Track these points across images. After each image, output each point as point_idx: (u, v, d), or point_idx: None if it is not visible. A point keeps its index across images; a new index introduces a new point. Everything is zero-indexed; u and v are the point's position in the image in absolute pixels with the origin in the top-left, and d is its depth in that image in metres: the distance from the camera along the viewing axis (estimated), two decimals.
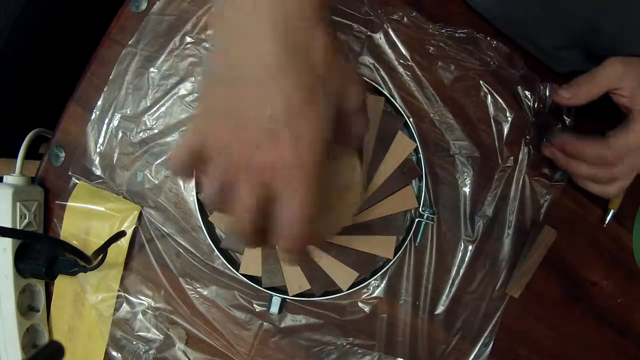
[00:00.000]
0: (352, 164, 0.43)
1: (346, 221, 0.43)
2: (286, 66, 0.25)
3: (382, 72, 0.49)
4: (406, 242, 0.48)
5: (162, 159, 0.48)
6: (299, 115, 0.25)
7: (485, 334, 0.50)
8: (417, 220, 0.48)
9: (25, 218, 0.45)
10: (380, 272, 0.47)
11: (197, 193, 0.47)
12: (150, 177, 0.48)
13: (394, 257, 0.47)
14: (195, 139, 0.27)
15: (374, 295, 0.49)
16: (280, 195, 0.26)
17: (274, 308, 0.47)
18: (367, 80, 0.48)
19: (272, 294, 0.47)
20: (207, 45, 0.48)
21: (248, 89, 0.26)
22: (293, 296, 0.47)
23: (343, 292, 0.47)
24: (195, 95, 0.48)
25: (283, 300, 0.47)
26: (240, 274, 0.47)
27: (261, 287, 0.47)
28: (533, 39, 0.49)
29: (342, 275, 0.47)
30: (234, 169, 0.26)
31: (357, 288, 0.48)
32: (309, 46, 0.26)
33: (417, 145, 0.48)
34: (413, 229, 0.48)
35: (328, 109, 0.27)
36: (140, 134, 0.48)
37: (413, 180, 0.49)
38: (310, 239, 0.28)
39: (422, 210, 0.48)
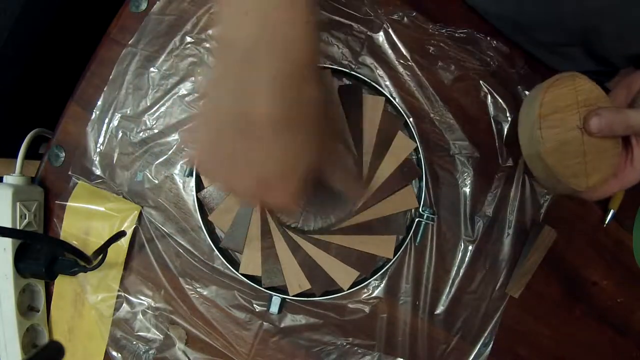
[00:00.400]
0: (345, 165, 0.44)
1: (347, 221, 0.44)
2: (283, 121, 0.28)
3: (382, 72, 0.49)
4: (406, 241, 0.48)
5: (162, 158, 0.48)
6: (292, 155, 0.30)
7: (485, 334, 0.50)
8: (417, 220, 0.48)
9: (25, 218, 0.45)
10: (381, 272, 0.47)
11: (196, 192, 0.47)
12: (150, 177, 0.48)
13: (394, 257, 0.47)
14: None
15: (374, 295, 0.49)
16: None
17: (274, 308, 0.47)
18: (367, 80, 0.48)
19: (271, 294, 0.47)
20: (207, 45, 0.48)
21: (247, 143, 0.29)
22: (293, 296, 0.47)
23: (343, 291, 0.47)
24: (196, 95, 0.48)
25: (283, 300, 0.47)
26: (240, 273, 0.47)
27: (261, 287, 0.47)
28: (532, 38, 0.49)
29: (342, 274, 0.47)
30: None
31: (357, 288, 0.48)
32: (302, 97, 0.29)
33: (417, 145, 0.48)
34: (413, 229, 0.48)
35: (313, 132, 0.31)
36: (141, 134, 0.48)
37: (413, 180, 0.49)
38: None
39: (422, 210, 0.48)
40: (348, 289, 0.47)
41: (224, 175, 0.31)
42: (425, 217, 0.48)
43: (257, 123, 0.28)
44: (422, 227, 0.48)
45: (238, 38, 0.27)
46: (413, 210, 0.49)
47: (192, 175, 0.47)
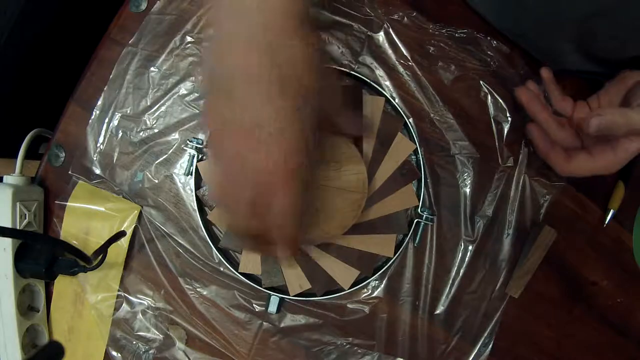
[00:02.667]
0: (354, 166, 0.43)
1: (350, 221, 0.44)
2: (271, 78, 0.27)
3: (382, 72, 0.49)
4: (406, 240, 0.48)
5: (162, 158, 0.48)
6: (282, 123, 0.28)
7: (485, 334, 0.50)
8: (415, 220, 0.48)
9: (25, 218, 0.45)
10: (381, 271, 0.47)
11: (196, 191, 0.47)
12: (150, 177, 0.48)
13: (394, 256, 0.47)
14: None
15: (374, 295, 0.49)
16: (271, 197, 0.29)
17: (272, 307, 0.47)
18: (367, 80, 0.48)
19: (270, 293, 0.47)
20: (205, 44, 0.48)
21: (237, 98, 0.28)
22: (293, 296, 0.47)
23: (344, 291, 0.47)
24: (196, 95, 0.48)
25: (281, 300, 0.47)
26: (240, 273, 0.47)
27: (261, 286, 0.47)
28: (531, 39, 0.49)
29: (343, 274, 0.47)
30: (231, 173, 0.29)
31: (358, 287, 0.48)
32: (292, 59, 0.28)
33: (417, 147, 0.48)
34: (412, 229, 0.48)
35: (309, 116, 0.29)
36: (141, 134, 0.48)
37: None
38: (297, 236, 0.31)
39: (421, 211, 0.48)
40: (349, 289, 0.47)
41: (224, 135, 0.29)
42: (424, 217, 0.48)
43: (248, 78, 0.27)
44: (421, 228, 0.48)
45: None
46: (412, 210, 0.49)
47: (191, 175, 0.47)
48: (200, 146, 0.47)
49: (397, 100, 0.49)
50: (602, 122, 0.38)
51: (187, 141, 0.47)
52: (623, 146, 0.41)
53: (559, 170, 0.44)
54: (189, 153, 0.47)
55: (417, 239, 0.48)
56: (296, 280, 0.46)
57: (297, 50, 0.28)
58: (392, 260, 0.47)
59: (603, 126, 0.38)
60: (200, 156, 0.47)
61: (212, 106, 0.30)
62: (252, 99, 0.27)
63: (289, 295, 0.46)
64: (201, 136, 0.48)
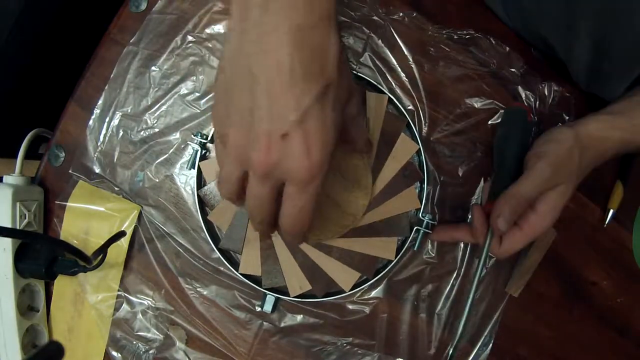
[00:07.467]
0: (362, 197, 0.44)
1: (330, 235, 0.44)
2: (300, 71, 0.26)
3: (383, 73, 0.49)
4: (407, 243, 0.48)
5: (163, 157, 0.48)
6: (310, 118, 0.27)
7: (485, 334, 0.50)
8: (415, 228, 0.47)
9: (25, 218, 0.45)
10: (382, 273, 0.47)
11: (197, 190, 0.47)
12: (151, 176, 0.48)
13: (395, 258, 0.47)
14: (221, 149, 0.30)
15: (374, 295, 0.49)
16: (289, 186, 0.29)
17: (267, 306, 0.47)
18: (369, 80, 0.48)
19: (266, 293, 0.47)
20: (209, 44, 0.48)
21: (263, 91, 0.27)
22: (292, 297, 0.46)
23: (344, 293, 0.47)
24: (197, 94, 0.48)
25: (277, 299, 0.47)
26: (240, 273, 0.47)
27: (261, 287, 0.47)
28: (545, 38, 0.49)
29: (343, 276, 0.47)
30: (248, 163, 0.29)
31: (359, 289, 0.47)
32: (321, 53, 0.27)
33: (419, 147, 0.48)
34: (411, 235, 0.48)
35: (336, 112, 0.29)
36: (141, 133, 0.48)
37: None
38: (306, 225, 0.31)
39: (422, 216, 0.47)
40: (350, 290, 0.47)
41: (242, 129, 0.28)
42: (424, 223, 0.47)
43: (277, 70, 0.27)
44: (420, 235, 0.48)
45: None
46: (414, 212, 0.48)
47: (194, 168, 0.47)
48: (205, 141, 0.46)
49: (398, 100, 0.49)
50: (507, 218, 0.41)
51: (192, 135, 0.47)
52: (541, 207, 0.43)
53: (495, 255, 0.46)
54: (193, 148, 0.47)
55: (417, 244, 0.48)
56: (297, 281, 0.46)
57: (322, 37, 0.27)
58: (393, 263, 0.47)
59: (509, 220, 0.41)
60: (204, 152, 0.47)
61: (229, 101, 0.29)
62: (277, 88, 0.27)
63: (290, 297, 0.46)
64: (205, 131, 0.47)
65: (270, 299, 0.47)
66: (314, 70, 0.27)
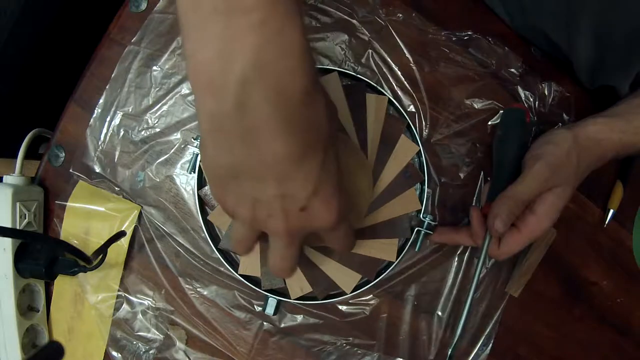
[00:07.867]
0: (361, 172, 0.43)
1: (358, 225, 0.44)
2: (298, 152, 0.26)
3: (384, 73, 0.49)
4: (408, 244, 0.48)
5: (163, 157, 0.48)
6: (321, 185, 0.27)
7: (485, 334, 0.50)
8: (416, 229, 0.47)
9: (25, 218, 0.45)
10: (383, 275, 0.47)
11: (198, 191, 0.47)
12: (151, 176, 0.48)
13: (396, 260, 0.47)
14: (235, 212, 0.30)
15: (374, 295, 0.49)
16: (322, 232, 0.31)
17: (270, 309, 0.47)
18: (369, 81, 0.48)
19: (268, 296, 0.46)
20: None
21: (269, 183, 0.26)
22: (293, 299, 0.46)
23: (345, 295, 0.47)
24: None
25: (279, 302, 0.47)
26: (239, 274, 0.46)
27: (261, 288, 0.46)
28: (547, 34, 0.49)
29: (345, 278, 0.46)
30: (266, 228, 0.29)
31: (359, 291, 0.47)
32: (315, 122, 0.26)
33: (420, 149, 0.48)
34: (412, 237, 0.47)
35: (335, 156, 0.29)
36: (142, 133, 0.48)
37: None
38: (354, 241, 0.36)
39: (423, 217, 0.47)
40: (351, 292, 0.47)
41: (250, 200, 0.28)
42: (425, 224, 0.47)
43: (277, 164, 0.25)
44: (421, 237, 0.48)
45: (227, 82, 0.23)
46: (415, 214, 0.48)
47: (194, 172, 0.47)
48: None
49: (399, 101, 0.49)
50: (504, 220, 0.41)
51: (192, 138, 0.47)
52: (539, 209, 0.43)
53: (493, 257, 0.46)
54: (193, 152, 0.47)
55: (418, 245, 0.48)
56: (297, 283, 0.46)
57: (315, 110, 0.26)
58: (394, 264, 0.47)
59: (506, 221, 0.41)
60: None
61: (230, 187, 0.28)
62: (282, 176, 0.26)
63: (290, 299, 0.46)
64: None
65: (272, 301, 0.47)
66: (311, 143, 0.26)
